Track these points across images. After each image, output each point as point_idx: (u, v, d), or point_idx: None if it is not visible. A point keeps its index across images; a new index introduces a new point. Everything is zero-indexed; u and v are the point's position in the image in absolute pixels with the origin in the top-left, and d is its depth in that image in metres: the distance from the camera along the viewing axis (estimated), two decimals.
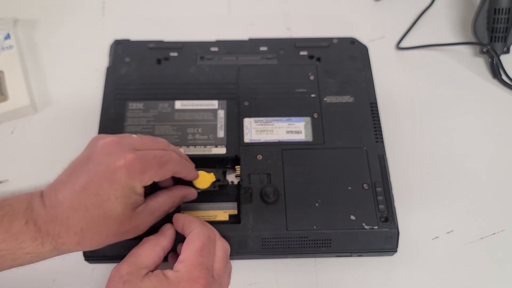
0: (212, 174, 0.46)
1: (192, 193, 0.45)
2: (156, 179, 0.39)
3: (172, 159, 0.41)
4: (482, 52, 0.60)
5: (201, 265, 0.37)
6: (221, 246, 0.40)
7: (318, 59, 0.55)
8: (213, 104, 0.51)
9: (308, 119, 0.50)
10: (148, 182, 0.38)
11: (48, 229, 0.35)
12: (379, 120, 0.50)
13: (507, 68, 0.58)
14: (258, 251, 0.44)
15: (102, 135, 0.40)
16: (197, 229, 0.39)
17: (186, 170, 0.43)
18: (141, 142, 0.40)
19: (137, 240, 0.39)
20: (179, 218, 0.41)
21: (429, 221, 0.49)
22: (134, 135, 0.41)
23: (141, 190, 0.38)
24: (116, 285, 0.35)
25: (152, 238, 0.40)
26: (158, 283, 0.35)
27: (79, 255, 0.44)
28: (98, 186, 0.36)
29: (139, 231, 0.39)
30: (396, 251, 0.45)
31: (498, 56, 0.58)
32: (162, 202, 0.41)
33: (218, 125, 0.50)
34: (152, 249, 0.39)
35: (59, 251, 0.36)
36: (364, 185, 0.46)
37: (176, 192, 0.43)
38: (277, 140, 0.49)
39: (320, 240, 0.44)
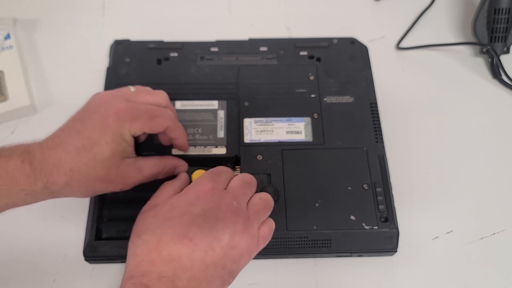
0: None
1: (183, 166, 0.46)
2: (147, 130, 0.41)
3: (164, 115, 0.43)
4: (482, 52, 0.60)
5: (209, 177, 0.39)
6: (240, 177, 0.40)
7: (318, 59, 0.55)
8: (213, 104, 0.51)
9: (308, 119, 0.50)
10: (138, 131, 0.41)
11: (42, 167, 0.38)
12: (379, 120, 0.50)
13: (507, 68, 0.58)
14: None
15: (101, 91, 0.44)
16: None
17: (178, 131, 0.45)
18: (136, 94, 0.43)
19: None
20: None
21: (429, 221, 0.49)
22: (133, 88, 0.44)
23: (129, 138, 0.40)
24: (142, 219, 0.38)
25: (167, 182, 0.42)
26: (174, 198, 0.38)
27: (79, 255, 0.44)
28: (91, 131, 0.39)
29: (126, 184, 0.41)
30: (396, 251, 0.45)
31: (498, 56, 0.58)
32: (153, 163, 0.43)
33: (218, 125, 0.50)
34: (168, 190, 0.41)
35: (49, 191, 0.39)
36: (364, 185, 0.46)
37: (168, 159, 0.45)
38: (277, 140, 0.49)
39: (320, 240, 0.44)
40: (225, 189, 0.39)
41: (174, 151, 0.48)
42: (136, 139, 0.45)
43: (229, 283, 0.36)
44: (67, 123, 0.41)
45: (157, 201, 0.39)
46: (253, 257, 0.38)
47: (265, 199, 0.40)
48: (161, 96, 0.45)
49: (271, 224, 0.40)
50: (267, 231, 0.39)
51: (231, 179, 0.40)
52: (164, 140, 0.47)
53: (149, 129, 0.42)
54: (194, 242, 0.34)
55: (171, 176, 0.45)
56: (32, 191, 0.39)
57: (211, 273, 0.35)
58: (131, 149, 0.41)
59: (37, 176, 0.38)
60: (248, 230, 0.37)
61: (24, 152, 0.39)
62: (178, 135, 0.45)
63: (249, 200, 0.39)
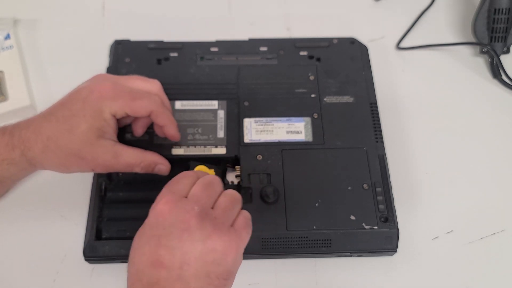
0: (212, 170, 0.46)
1: (165, 165, 0.45)
2: (128, 111, 0.41)
3: (149, 98, 0.43)
4: (482, 52, 0.60)
5: (165, 191, 0.37)
6: (200, 180, 0.38)
7: (318, 59, 0.55)
8: (213, 104, 0.51)
9: (308, 119, 0.50)
10: (118, 110, 0.41)
11: (21, 135, 0.41)
12: (379, 120, 0.50)
13: (507, 68, 0.58)
14: (258, 251, 0.44)
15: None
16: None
17: (165, 117, 0.44)
18: (127, 78, 0.44)
19: None
20: None
21: (429, 221, 0.49)
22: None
23: (109, 117, 0.41)
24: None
25: None
26: (141, 227, 0.36)
27: (79, 255, 0.44)
28: (73, 103, 0.41)
29: (97, 165, 0.41)
30: (396, 251, 0.45)
31: (498, 56, 0.58)
32: (131, 153, 0.43)
33: (218, 125, 0.50)
34: None
35: (27, 158, 0.41)
36: (364, 185, 0.46)
37: (149, 154, 0.45)
38: (277, 140, 0.49)
39: (320, 240, 0.44)
40: (187, 196, 0.37)
41: (174, 151, 0.48)
42: (132, 131, 0.45)
43: (226, 285, 0.35)
44: (59, 99, 0.43)
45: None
46: (242, 250, 0.36)
47: (230, 194, 0.38)
48: (153, 83, 0.45)
49: (245, 213, 0.38)
50: (243, 221, 0.37)
51: (194, 184, 0.38)
52: (159, 132, 0.47)
53: (131, 110, 0.42)
54: (166, 265, 0.33)
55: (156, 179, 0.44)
56: (11, 160, 0.40)
57: (195, 286, 0.34)
58: (109, 130, 0.42)
59: (15, 144, 0.40)
60: (219, 229, 0.35)
61: (8, 126, 0.41)
62: (165, 121, 0.44)
63: (215, 201, 0.37)
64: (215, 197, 0.37)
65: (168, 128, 0.45)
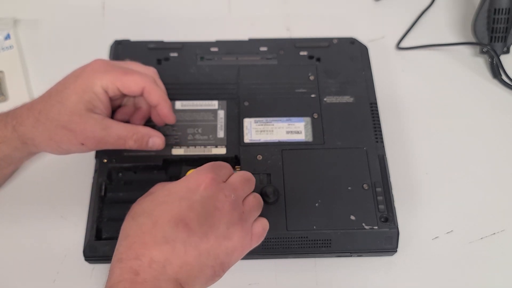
0: None
1: (159, 137, 0.45)
2: (119, 85, 0.42)
3: (141, 74, 0.43)
4: (482, 52, 0.60)
5: (209, 168, 0.38)
6: (241, 173, 0.40)
7: (318, 59, 0.55)
8: (213, 104, 0.51)
9: (308, 119, 0.50)
10: (110, 85, 0.42)
11: (15, 112, 0.42)
12: (379, 120, 0.50)
13: (507, 68, 0.58)
14: (258, 251, 0.44)
15: None
16: None
17: (157, 95, 0.44)
18: (124, 62, 0.45)
19: None
20: None
21: (429, 221, 0.49)
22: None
23: (100, 91, 0.41)
24: (139, 203, 0.38)
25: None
26: (172, 184, 0.38)
27: (79, 255, 0.44)
28: (66, 79, 0.43)
29: (86, 137, 0.41)
30: (396, 251, 0.45)
31: (498, 56, 0.58)
32: (123, 125, 0.43)
33: (218, 125, 0.50)
34: (163, 183, 0.40)
35: (18, 134, 0.41)
36: (364, 185, 0.46)
37: (142, 127, 0.45)
38: (277, 140, 0.49)
39: (320, 240, 0.44)
40: (225, 182, 0.39)
41: (174, 151, 0.48)
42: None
43: (219, 276, 0.36)
44: None
45: (154, 189, 0.39)
46: (246, 253, 0.38)
47: (258, 198, 0.40)
48: (148, 68, 0.46)
49: (265, 223, 0.40)
50: (261, 229, 0.39)
51: (231, 174, 0.40)
52: (156, 119, 0.47)
53: (122, 84, 0.42)
54: (190, 228, 0.34)
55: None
56: (4, 137, 0.41)
57: (203, 261, 0.34)
58: (99, 105, 0.42)
59: (8, 121, 0.42)
60: (242, 224, 0.37)
61: (5, 110, 0.43)
62: (158, 100, 0.44)
63: (244, 198, 0.39)
64: (248, 194, 0.40)
65: (162, 107, 0.45)
